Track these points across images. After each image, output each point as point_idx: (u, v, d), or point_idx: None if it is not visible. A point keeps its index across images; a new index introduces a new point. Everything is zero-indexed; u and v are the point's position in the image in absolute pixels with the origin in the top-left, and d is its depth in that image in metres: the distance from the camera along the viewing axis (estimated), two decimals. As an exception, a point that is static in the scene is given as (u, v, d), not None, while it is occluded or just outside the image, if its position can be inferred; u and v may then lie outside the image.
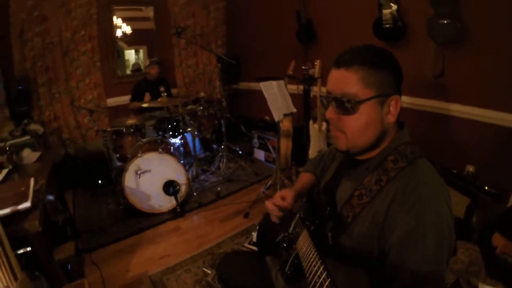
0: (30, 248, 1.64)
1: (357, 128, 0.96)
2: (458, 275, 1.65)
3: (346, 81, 0.94)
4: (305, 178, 1.47)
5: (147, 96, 4.01)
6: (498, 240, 1.69)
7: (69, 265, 2.15)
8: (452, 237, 0.86)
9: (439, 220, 0.83)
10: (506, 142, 2.49)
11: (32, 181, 1.86)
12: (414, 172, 0.91)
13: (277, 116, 2.96)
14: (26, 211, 1.62)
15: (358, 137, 0.98)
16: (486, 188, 2.40)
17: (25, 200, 1.64)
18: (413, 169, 0.92)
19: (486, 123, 2.60)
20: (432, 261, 0.82)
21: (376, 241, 0.90)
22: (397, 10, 2.86)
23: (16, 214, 1.59)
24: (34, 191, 1.80)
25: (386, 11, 2.91)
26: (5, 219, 1.54)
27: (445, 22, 2.51)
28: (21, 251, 1.62)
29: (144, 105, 3.66)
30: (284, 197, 1.26)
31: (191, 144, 4.10)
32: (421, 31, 2.74)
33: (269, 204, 1.27)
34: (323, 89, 2.95)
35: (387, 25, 2.97)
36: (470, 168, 2.67)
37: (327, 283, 0.74)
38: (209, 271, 2.34)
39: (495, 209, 2.04)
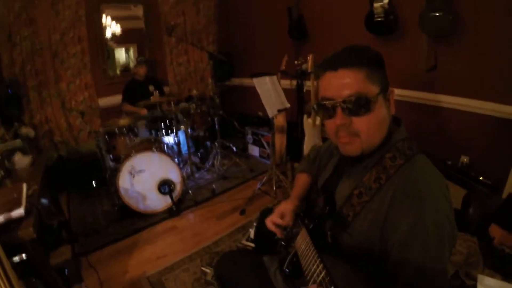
0: (25, 255, 1.62)
1: (373, 128, 0.95)
2: (457, 266, 1.66)
3: (353, 81, 0.91)
4: (302, 181, 1.46)
5: (143, 110, 3.98)
6: (495, 231, 1.71)
7: (66, 270, 2.14)
8: (453, 230, 0.87)
9: (439, 216, 0.83)
10: (499, 132, 2.51)
11: (24, 186, 1.84)
12: (412, 170, 0.91)
13: (271, 112, 2.94)
14: (20, 218, 1.60)
15: (374, 136, 0.96)
16: (481, 178, 2.42)
17: (18, 207, 1.61)
18: (411, 166, 0.92)
19: (479, 114, 2.62)
20: (434, 257, 0.82)
21: (377, 240, 0.91)
22: (389, 3, 2.85)
23: (9, 222, 1.56)
24: (27, 197, 1.77)
25: (377, 5, 2.90)
26: (-2, 226, 1.52)
27: (437, 14, 2.51)
28: (17, 258, 1.59)
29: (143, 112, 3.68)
30: (283, 215, 1.24)
31: (183, 143, 4.08)
32: (413, 24, 2.74)
33: (270, 225, 1.24)
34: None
35: (379, 19, 2.96)
36: (465, 159, 2.68)
37: (326, 282, 0.74)
38: (208, 270, 2.34)
39: (491, 200, 2.06)
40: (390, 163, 0.94)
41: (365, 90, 0.90)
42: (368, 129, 0.94)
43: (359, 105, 0.90)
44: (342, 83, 0.92)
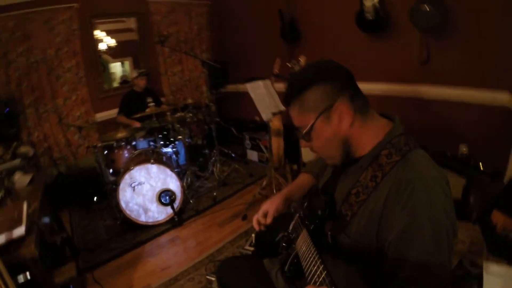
0: (29, 274, 1.61)
1: (322, 149, 1.06)
2: (461, 256, 1.65)
3: (292, 117, 1.06)
4: (300, 180, 1.49)
5: (137, 123, 3.99)
6: (497, 217, 1.67)
7: (71, 287, 2.12)
8: (452, 223, 0.85)
9: (434, 211, 0.82)
10: (496, 120, 2.53)
11: (25, 205, 1.83)
12: (408, 166, 0.89)
13: (265, 116, 2.95)
14: (21, 236, 1.60)
15: (329, 154, 1.07)
16: (480, 165, 2.41)
17: (19, 225, 1.62)
18: (407, 162, 0.90)
19: (473, 104, 2.64)
20: (432, 253, 0.82)
21: (374, 239, 0.90)
22: (379, 1, 2.87)
23: (11, 241, 1.56)
24: (28, 215, 1.77)
25: (367, 3, 2.92)
26: (0, 246, 1.52)
27: (427, 8, 2.52)
28: (21, 277, 1.59)
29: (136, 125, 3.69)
30: (266, 213, 1.33)
31: (182, 152, 4.07)
32: (404, 19, 2.76)
33: (254, 221, 1.35)
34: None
35: (370, 17, 2.97)
36: (463, 148, 2.68)
37: (326, 283, 0.74)
38: (213, 278, 2.33)
39: (491, 186, 2.04)
40: (386, 160, 0.92)
41: (302, 123, 1.02)
42: (319, 150, 1.08)
43: (302, 136, 1.04)
44: (291, 118, 1.07)
